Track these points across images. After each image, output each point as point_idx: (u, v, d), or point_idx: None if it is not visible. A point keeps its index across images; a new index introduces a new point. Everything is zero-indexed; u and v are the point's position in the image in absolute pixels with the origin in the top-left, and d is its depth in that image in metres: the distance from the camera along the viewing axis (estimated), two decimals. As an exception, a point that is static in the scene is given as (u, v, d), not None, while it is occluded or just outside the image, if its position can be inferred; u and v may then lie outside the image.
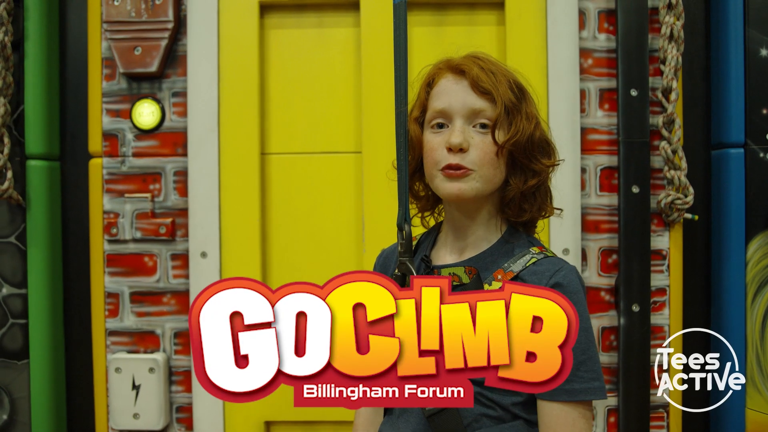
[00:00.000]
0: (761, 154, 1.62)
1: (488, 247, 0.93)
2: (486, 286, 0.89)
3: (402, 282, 0.89)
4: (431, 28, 1.67)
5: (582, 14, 1.64)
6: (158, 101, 1.66)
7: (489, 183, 0.90)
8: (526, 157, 0.90)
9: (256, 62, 1.63)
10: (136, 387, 1.62)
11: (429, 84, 0.95)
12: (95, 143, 1.68)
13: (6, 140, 1.63)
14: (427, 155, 0.92)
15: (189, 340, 1.63)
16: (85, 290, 1.71)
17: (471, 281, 0.90)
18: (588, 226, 1.65)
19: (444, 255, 0.97)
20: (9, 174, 1.62)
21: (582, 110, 1.64)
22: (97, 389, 1.70)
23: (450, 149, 0.88)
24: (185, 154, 1.64)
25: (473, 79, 0.88)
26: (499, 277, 0.89)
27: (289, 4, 1.65)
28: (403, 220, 0.93)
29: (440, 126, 0.91)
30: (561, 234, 1.62)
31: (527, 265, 0.89)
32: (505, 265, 0.90)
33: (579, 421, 0.85)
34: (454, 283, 0.90)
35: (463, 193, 0.89)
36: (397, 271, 0.92)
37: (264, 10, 1.66)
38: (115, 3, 1.62)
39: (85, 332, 1.72)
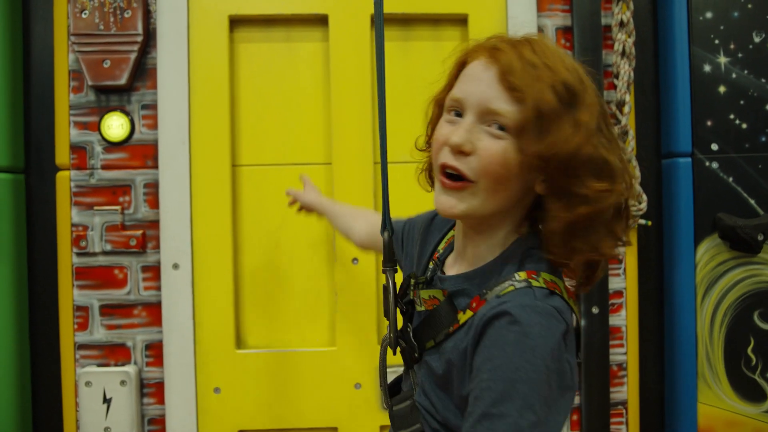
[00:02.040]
0: (707, 163, 1.73)
1: (481, 264, 0.79)
2: (460, 314, 0.77)
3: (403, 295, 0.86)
4: (398, 42, 1.73)
5: (540, 30, 1.72)
6: (127, 114, 1.66)
7: (490, 201, 0.74)
8: (566, 176, 0.72)
9: (227, 75, 1.66)
10: (107, 400, 1.61)
11: (462, 63, 0.80)
12: (63, 155, 1.67)
13: (-31, 153, 1.61)
14: (432, 145, 0.80)
15: (161, 352, 1.64)
16: (52, 304, 1.70)
17: (439, 307, 0.80)
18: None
19: (453, 261, 0.86)
20: (-27, 187, 1.60)
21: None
22: (65, 403, 1.68)
23: (450, 147, 0.75)
24: (155, 167, 1.65)
25: (503, 69, 0.72)
26: (474, 305, 0.75)
27: (258, 19, 1.68)
28: (384, 228, 0.88)
29: (458, 114, 0.76)
30: (524, 240, 1.69)
31: (501, 294, 0.73)
32: (484, 291, 0.76)
33: None
34: (434, 305, 0.81)
35: (452, 210, 0.76)
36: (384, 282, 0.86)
37: (233, 24, 1.69)
38: (83, 15, 1.62)
39: (52, 346, 1.70)
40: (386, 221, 0.89)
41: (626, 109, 1.71)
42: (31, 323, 1.73)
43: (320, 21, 1.69)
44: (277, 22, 1.70)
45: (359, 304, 1.67)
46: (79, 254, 1.66)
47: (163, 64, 1.64)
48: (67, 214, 1.67)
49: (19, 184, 1.71)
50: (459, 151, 0.74)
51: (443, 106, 0.80)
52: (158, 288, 1.65)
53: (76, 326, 1.66)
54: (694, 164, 1.73)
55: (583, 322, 1.69)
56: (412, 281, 0.86)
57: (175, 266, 1.63)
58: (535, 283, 0.73)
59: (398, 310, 0.87)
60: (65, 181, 1.67)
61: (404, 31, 1.72)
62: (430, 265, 0.89)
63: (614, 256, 0.78)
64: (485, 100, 0.73)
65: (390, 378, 0.92)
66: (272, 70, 1.70)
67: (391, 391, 0.89)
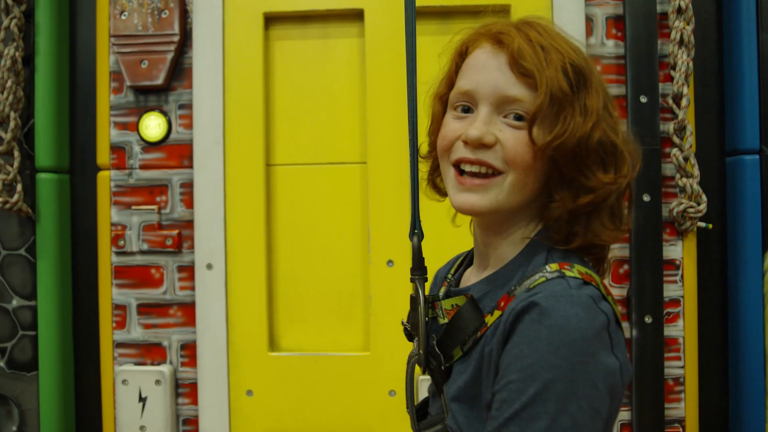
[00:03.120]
0: (777, 161, 1.58)
1: (504, 264, 0.73)
2: (487, 317, 0.70)
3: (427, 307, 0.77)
4: (436, 37, 1.65)
5: (589, 21, 1.62)
6: (165, 113, 1.67)
7: (516, 194, 0.69)
8: (575, 166, 0.68)
9: (261, 73, 1.64)
10: (142, 399, 1.62)
11: (462, 54, 0.75)
12: (103, 156, 1.69)
13: (16, 153, 1.65)
14: (438, 143, 0.74)
15: (195, 353, 1.64)
16: (93, 302, 1.72)
17: (462, 309, 0.72)
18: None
19: (470, 274, 0.81)
20: (19, 187, 1.64)
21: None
22: (104, 401, 1.70)
23: (466, 143, 0.69)
24: (191, 166, 1.65)
25: (513, 54, 0.68)
26: (502, 304, 0.69)
27: (294, 16, 1.65)
28: (413, 231, 0.80)
29: (465, 110, 0.71)
30: (570, 244, 1.59)
31: (531, 287, 0.66)
32: (512, 287, 0.69)
33: None
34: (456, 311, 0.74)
35: (475, 208, 0.70)
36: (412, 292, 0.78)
37: (269, 21, 1.67)
38: (123, 17, 1.63)
39: (93, 344, 1.73)
40: (415, 224, 0.81)
41: (684, 102, 1.58)
42: (74, 321, 1.76)
43: (356, 16, 1.65)
44: (312, 18, 1.67)
45: (394, 308, 1.61)
46: (117, 253, 1.67)
47: (199, 63, 1.63)
48: (107, 214, 1.69)
49: (64, 184, 1.75)
50: (480, 145, 0.68)
51: (446, 102, 0.75)
52: (193, 288, 1.65)
53: (114, 324, 1.68)
54: (762, 162, 1.58)
55: (635, 333, 1.57)
56: (430, 298, 0.80)
57: (209, 266, 1.62)
58: (568, 274, 0.67)
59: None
60: (105, 180, 1.69)
61: (443, 25, 1.66)
62: (442, 289, 0.84)
63: (614, 241, 0.73)
64: (500, 88, 0.68)
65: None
66: (307, 68, 1.67)
67: (419, 414, 0.81)
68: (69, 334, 1.74)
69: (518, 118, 0.68)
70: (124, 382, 1.63)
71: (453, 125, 0.72)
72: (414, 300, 0.78)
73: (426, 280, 0.81)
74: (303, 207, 1.66)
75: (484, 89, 0.69)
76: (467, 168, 0.70)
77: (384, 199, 1.61)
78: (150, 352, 1.67)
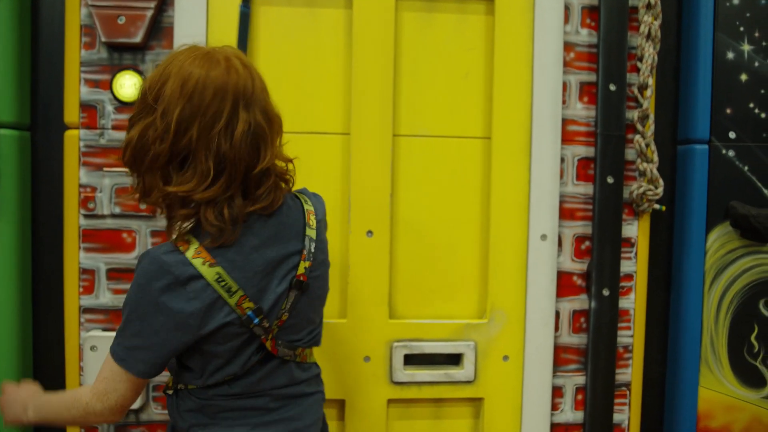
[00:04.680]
0: (724, 151, 1.73)
1: None
2: None
3: None
4: (421, 14, 1.68)
5: (567, 8, 1.70)
6: (140, 73, 1.60)
7: None
8: None
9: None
10: (113, 365, 1.58)
11: None
12: (72, 114, 1.61)
13: (-25, 107, 1.55)
14: None
15: (169, 318, 1.61)
16: (57, 266, 1.66)
17: None
18: (564, 213, 1.72)
19: None
20: (-22, 142, 1.54)
21: (563, 102, 1.70)
22: (68, 367, 1.65)
23: None
24: (168, 129, 1.60)
25: None
26: None
27: (280, -19, 1.63)
28: None
29: None
30: (539, 220, 1.69)
31: None
32: None
33: (104, 364, 1.08)
34: None
35: None
36: None
37: (254, -16, 1.63)
38: (97, -32, 1.55)
39: (56, 309, 1.67)
40: None
41: (648, 92, 1.70)
42: (34, 285, 1.69)
43: (344, -14, 1.65)
44: (299, -16, 1.65)
45: (372, 277, 1.66)
46: (86, 216, 1.61)
47: (181, 23, 1.58)
48: (75, 175, 1.61)
49: (25, 142, 1.66)
50: None
51: None
52: (168, 254, 1.62)
53: (81, 289, 1.62)
54: (710, 151, 1.73)
55: (593, 304, 1.70)
56: None
57: (187, 232, 1.59)
58: (170, 240, 1.07)
59: None
60: (74, 140, 1.61)
61: (429, 2, 1.68)
62: None
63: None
64: None
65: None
66: (292, 36, 1.65)
67: None
68: (29, 300, 1.67)
69: None
70: (92, 348, 1.59)
71: None
72: None
73: None
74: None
75: None
76: None
77: (365, 171, 1.64)
78: (119, 318, 1.62)
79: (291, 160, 1.15)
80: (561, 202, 1.71)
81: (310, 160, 1.66)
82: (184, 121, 0.99)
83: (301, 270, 1.11)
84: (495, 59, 1.68)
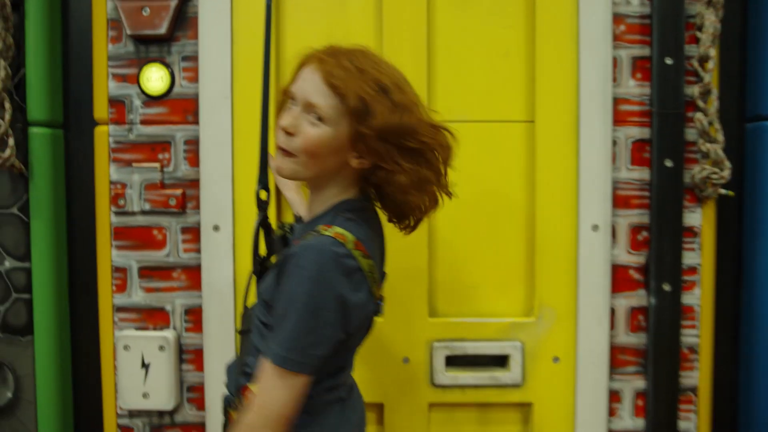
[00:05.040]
0: (800, 128, 1.55)
1: (312, 219, 1.06)
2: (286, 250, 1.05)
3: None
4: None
5: (611, -21, 1.55)
6: (167, 65, 1.57)
7: (308, 169, 1.00)
8: (378, 151, 0.98)
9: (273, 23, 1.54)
10: (145, 365, 1.55)
11: (300, 66, 1.04)
12: (101, 110, 1.59)
13: (7, 106, 1.54)
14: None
15: (201, 318, 1.57)
16: (91, 264, 1.64)
17: (276, 238, 1.17)
18: (618, 201, 1.57)
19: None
20: (11, 141, 1.54)
21: (614, 79, 1.56)
22: (104, 367, 1.63)
23: (282, 129, 1.00)
24: (196, 122, 1.56)
25: (325, 73, 0.97)
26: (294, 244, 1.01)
27: (307, -37, 1.56)
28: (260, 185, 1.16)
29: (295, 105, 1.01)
30: (590, 209, 1.55)
31: (305, 238, 0.98)
32: (302, 238, 1.00)
33: (265, 377, 0.94)
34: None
35: (279, 170, 1.02)
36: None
37: (279, -33, 1.57)
38: (122, -40, 1.52)
39: (91, 308, 1.65)
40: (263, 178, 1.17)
41: (710, 65, 1.53)
42: (70, 283, 1.68)
43: (373, -35, 1.56)
44: (326, -34, 1.57)
45: (409, 272, 1.56)
46: (117, 213, 1.59)
47: (205, 11, 1.53)
48: (105, 171, 1.60)
49: (58, 139, 1.65)
50: (287, 132, 0.99)
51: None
52: (197, 250, 1.57)
53: (114, 288, 1.60)
54: (785, 128, 1.55)
55: (653, 301, 1.55)
56: (282, 224, 1.24)
57: (216, 228, 1.55)
58: (324, 232, 0.96)
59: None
60: (104, 136, 1.59)
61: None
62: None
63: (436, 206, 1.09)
64: (307, 95, 0.98)
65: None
66: (320, 18, 1.58)
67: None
68: (65, 297, 1.66)
69: (319, 118, 0.97)
70: (125, 347, 1.56)
71: (282, 116, 1.02)
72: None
73: (264, 215, 1.17)
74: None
75: (298, 93, 1.00)
76: (281, 144, 1.02)
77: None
78: (152, 317, 1.60)
79: None
80: (614, 189, 1.57)
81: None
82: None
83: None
84: (537, 36, 1.55)
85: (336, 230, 0.96)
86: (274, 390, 0.92)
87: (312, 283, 0.91)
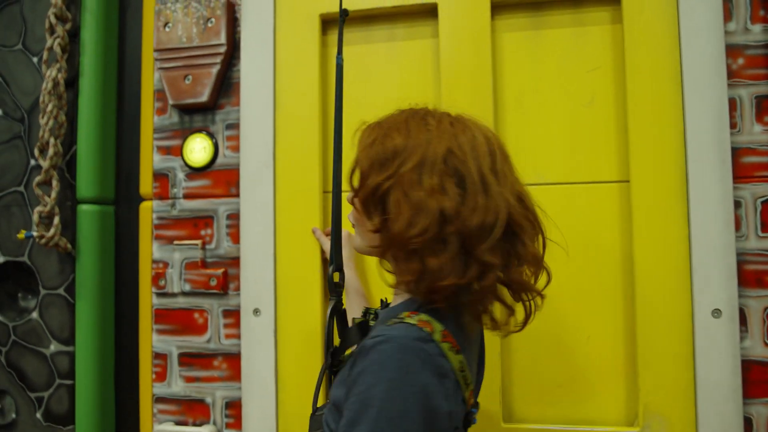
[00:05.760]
0: None
1: (395, 305, 0.89)
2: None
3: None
4: (525, 33, 1.36)
5: (727, 2, 1.26)
6: (211, 135, 1.46)
7: (361, 242, 0.93)
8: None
9: (317, 85, 1.40)
10: (181, 466, 1.39)
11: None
12: (146, 184, 1.51)
13: (54, 183, 1.50)
14: None
15: (240, 412, 1.39)
16: (134, 349, 1.53)
17: (350, 329, 0.95)
18: (747, 278, 1.23)
19: None
20: (56, 220, 1.49)
21: (733, 125, 1.24)
22: (144, 463, 1.49)
23: None
24: (239, 195, 1.43)
25: None
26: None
27: (355, 16, 1.41)
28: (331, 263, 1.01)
29: None
30: (708, 289, 1.21)
31: (385, 327, 0.78)
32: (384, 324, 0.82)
33: None
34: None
35: (357, 247, 0.96)
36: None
37: (326, 25, 1.43)
38: (167, 29, 1.46)
39: (133, 397, 1.53)
40: (333, 257, 1.00)
41: None
42: (115, 370, 1.58)
43: (428, 13, 1.38)
44: (377, 18, 1.42)
45: (477, 367, 1.30)
46: (158, 294, 1.47)
47: (247, 76, 1.42)
48: (148, 249, 1.50)
49: (108, 217, 1.58)
50: None
51: None
52: (239, 336, 1.41)
53: (154, 376, 1.47)
54: None
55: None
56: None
57: (256, 312, 1.38)
58: (407, 321, 0.77)
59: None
60: (148, 212, 1.51)
61: (535, 18, 1.35)
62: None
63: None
64: None
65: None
66: (372, 75, 1.41)
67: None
68: (110, 385, 1.56)
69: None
70: (162, 444, 1.41)
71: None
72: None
73: (337, 300, 1.00)
74: (366, 241, 1.39)
75: None
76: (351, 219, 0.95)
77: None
78: (192, 410, 1.44)
79: None
80: (740, 263, 1.23)
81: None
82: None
83: None
84: (627, 78, 1.28)
85: (421, 317, 0.78)
86: None
87: (391, 385, 0.71)
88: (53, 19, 1.53)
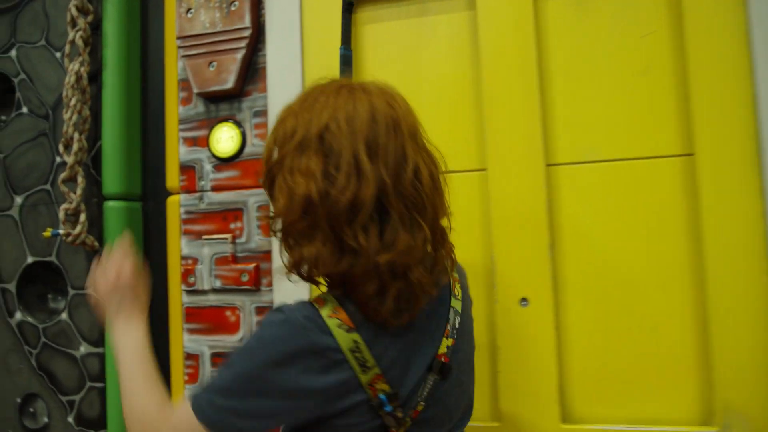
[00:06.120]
0: None
1: None
2: None
3: None
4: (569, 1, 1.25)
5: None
6: (238, 124, 1.39)
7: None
8: None
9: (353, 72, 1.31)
10: (216, 472, 1.31)
11: None
12: (173, 178, 1.45)
13: (80, 180, 1.46)
14: None
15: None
16: (165, 350, 1.47)
17: None
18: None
19: None
20: (82, 217, 1.44)
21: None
22: (178, 469, 1.42)
23: None
24: (269, 185, 1.35)
25: None
26: None
27: (386, -9, 1.32)
28: None
29: None
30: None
31: None
32: None
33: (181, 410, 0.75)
34: None
35: None
36: None
37: (355, 2, 1.35)
38: (189, 15, 1.40)
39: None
40: None
41: None
42: (147, 370, 1.52)
43: (464, -17, 1.29)
44: (409, -8, 1.33)
45: (532, 363, 1.19)
46: (188, 292, 1.41)
47: (273, 60, 1.35)
48: (177, 245, 1.44)
49: (135, 213, 1.53)
50: None
51: None
52: (273, 334, 1.33)
53: (186, 377, 1.40)
54: None
55: None
56: None
57: (290, 308, 1.30)
58: (312, 299, 0.77)
59: None
60: (175, 206, 1.44)
61: (579, 4, 1.25)
62: None
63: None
64: None
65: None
66: (404, 56, 1.32)
67: None
68: (141, 387, 1.50)
69: None
70: (196, 449, 1.34)
71: None
72: None
73: None
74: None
75: None
76: None
77: (512, 218, 1.21)
78: (226, 413, 1.37)
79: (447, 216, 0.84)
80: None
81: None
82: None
83: (442, 349, 0.81)
84: (687, 41, 1.16)
85: (323, 296, 0.78)
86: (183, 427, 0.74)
87: (254, 345, 0.74)
88: (75, 12, 1.48)
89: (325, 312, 0.74)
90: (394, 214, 0.73)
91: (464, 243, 1.25)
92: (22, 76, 1.59)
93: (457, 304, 0.86)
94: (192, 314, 1.40)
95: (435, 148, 0.82)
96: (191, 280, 1.40)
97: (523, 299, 1.20)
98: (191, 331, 1.40)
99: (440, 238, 0.81)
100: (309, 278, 0.77)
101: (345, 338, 0.73)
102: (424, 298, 0.77)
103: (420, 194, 0.75)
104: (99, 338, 1.47)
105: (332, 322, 0.73)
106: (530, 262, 1.20)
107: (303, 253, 0.74)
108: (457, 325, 0.84)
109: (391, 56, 1.33)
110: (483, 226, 1.25)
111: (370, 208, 0.71)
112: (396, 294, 0.74)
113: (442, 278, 0.83)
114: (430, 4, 1.32)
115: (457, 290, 0.88)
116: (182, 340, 1.41)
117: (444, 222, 0.81)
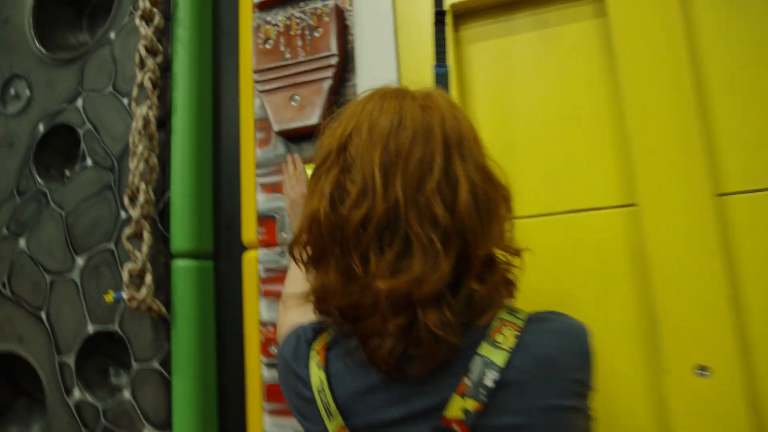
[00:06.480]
0: None
1: None
2: None
3: None
4: (592, 21, 1.02)
5: None
6: (324, 165, 1.20)
7: None
8: None
9: (455, 93, 1.11)
10: None
11: None
12: (249, 230, 1.26)
13: (146, 235, 1.28)
14: None
15: None
16: (242, 435, 1.24)
17: None
18: None
19: None
20: (148, 279, 1.26)
21: None
22: None
23: None
24: (362, 234, 1.14)
25: None
26: None
27: (494, 5, 1.13)
28: None
29: None
30: None
31: None
32: None
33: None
34: None
35: None
36: None
37: (458, 19, 1.16)
38: (267, 46, 1.24)
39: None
40: None
41: None
42: (220, 459, 1.29)
43: (590, -12, 1.08)
44: (519, 3, 1.13)
45: None
46: (269, 365, 1.19)
47: (365, 89, 1.16)
48: (254, 310, 1.23)
49: (207, 273, 1.34)
50: None
51: None
52: (373, 417, 1.09)
53: (268, 469, 1.16)
54: None
55: None
56: None
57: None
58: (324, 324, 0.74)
59: None
60: (253, 263, 1.25)
61: (598, 3, 1.02)
62: None
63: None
64: None
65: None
66: (518, 76, 1.11)
67: None
68: (213, 480, 1.27)
69: None
70: None
71: None
72: None
73: None
74: (552, 267, 1.05)
75: None
76: None
77: (676, 263, 0.95)
78: None
79: (518, 253, 0.68)
80: None
81: (585, 244, 1.04)
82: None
83: (454, 411, 0.60)
84: None
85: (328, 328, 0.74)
86: None
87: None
88: (143, 52, 1.36)
89: (316, 345, 0.70)
90: (410, 235, 0.60)
91: (608, 293, 0.99)
92: (88, 126, 1.47)
93: (495, 355, 0.62)
94: (274, 393, 1.18)
95: (497, 165, 0.66)
96: (272, 350, 1.18)
97: (702, 367, 0.92)
98: (273, 413, 1.17)
99: (483, 271, 0.63)
100: (321, 312, 0.68)
101: (314, 375, 0.67)
102: (432, 342, 0.59)
103: (445, 212, 0.60)
104: (165, 420, 1.26)
105: (313, 357, 0.68)
106: (705, 318, 0.93)
107: (317, 280, 0.66)
108: (489, 383, 0.60)
109: (502, 77, 1.12)
110: (635, 274, 0.99)
111: (379, 227, 0.61)
112: (396, 332, 0.60)
113: (476, 320, 0.63)
114: (549, 14, 1.12)
115: (500, 338, 0.64)
116: (262, 423, 1.18)
117: (502, 254, 0.66)
